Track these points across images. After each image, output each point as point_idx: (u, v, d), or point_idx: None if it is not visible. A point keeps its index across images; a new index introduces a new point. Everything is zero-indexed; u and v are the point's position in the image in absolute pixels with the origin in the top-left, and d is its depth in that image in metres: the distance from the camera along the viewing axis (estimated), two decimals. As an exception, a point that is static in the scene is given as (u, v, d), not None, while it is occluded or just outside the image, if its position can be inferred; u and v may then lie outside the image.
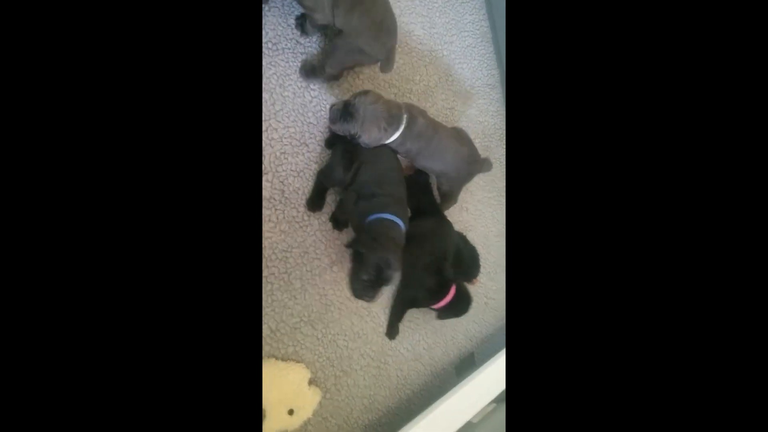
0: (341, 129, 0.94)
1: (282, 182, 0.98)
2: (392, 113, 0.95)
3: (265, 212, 0.96)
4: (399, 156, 1.05)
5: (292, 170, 1.00)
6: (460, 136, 1.10)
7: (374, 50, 0.95)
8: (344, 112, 0.92)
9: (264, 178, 0.96)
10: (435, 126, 1.04)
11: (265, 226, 0.96)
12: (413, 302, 1.14)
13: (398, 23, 1.17)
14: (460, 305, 1.16)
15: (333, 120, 0.94)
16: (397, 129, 0.96)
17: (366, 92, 0.94)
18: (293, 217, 0.99)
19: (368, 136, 0.93)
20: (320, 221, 1.03)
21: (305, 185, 1.01)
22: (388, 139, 0.97)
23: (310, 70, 1.01)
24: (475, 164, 1.12)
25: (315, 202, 1.01)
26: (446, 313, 1.16)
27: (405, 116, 0.97)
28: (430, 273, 1.10)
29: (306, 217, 1.01)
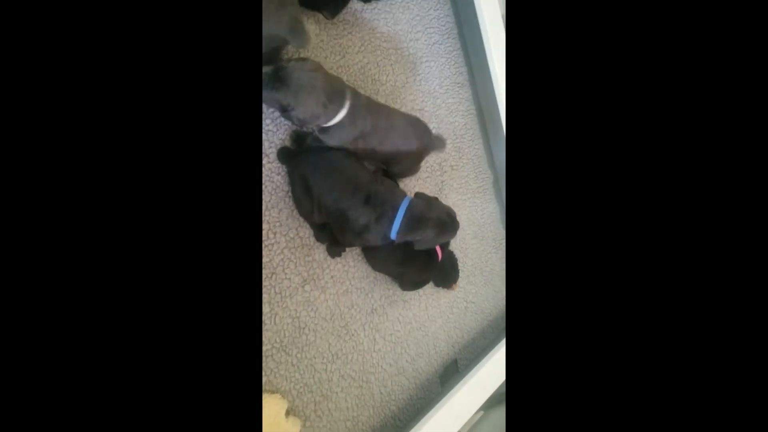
0: (269, 99, 0.77)
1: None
2: (335, 87, 0.78)
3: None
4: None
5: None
6: (406, 114, 1.00)
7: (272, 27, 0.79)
8: (274, 76, 0.75)
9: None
10: (379, 103, 0.94)
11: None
12: (417, 284, 1.14)
13: (360, 20, 1.10)
14: (450, 268, 1.19)
15: (263, 86, 0.77)
16: (340, 106, 0.80)
17: (304, 58, 0.79)
18: (258, 235, 0.91)
19: (303, 110, 0.76)
20: (287, 238, 0.95)
21: (268, 198, 0.93)
22: (328, 120, 0.80)
23: None
24: (428, 138, 1.01)
25: (320, 237, 0.97)
26: (438, 279, 1.18)
27: (348, 92, 0.83)
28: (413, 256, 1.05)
29: (271, 235, 0.93)
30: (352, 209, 0.86)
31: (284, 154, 0.93)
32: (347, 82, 0.89)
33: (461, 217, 1.34)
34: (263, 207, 0.92)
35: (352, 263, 1.07)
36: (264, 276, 0.91)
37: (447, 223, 0.93)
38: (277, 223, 0.94)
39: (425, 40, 1.25)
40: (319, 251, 1.00)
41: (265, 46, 0.83)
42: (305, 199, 0.89)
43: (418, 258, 1.05)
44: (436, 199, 0.98)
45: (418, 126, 1.00)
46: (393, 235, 0.88)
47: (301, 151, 0.94)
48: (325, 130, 0.86)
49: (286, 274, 0.94)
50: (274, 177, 0.94)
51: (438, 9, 1.28)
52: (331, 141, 0.88)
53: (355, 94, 0.86)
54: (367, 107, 0.88)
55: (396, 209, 0.87)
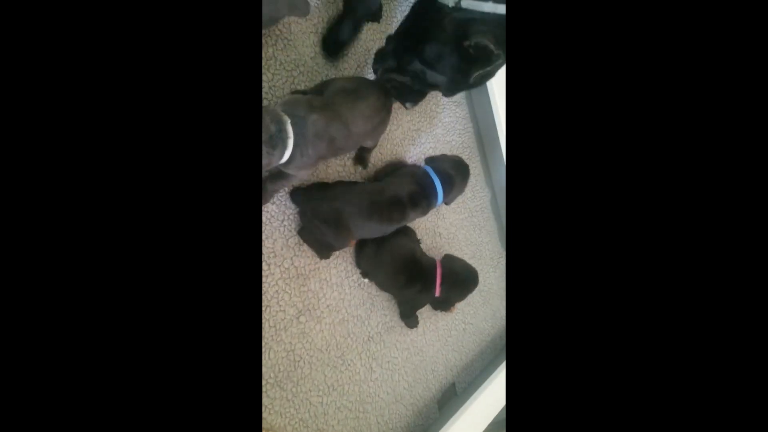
0: None
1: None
2: (270, 132, 0.73)
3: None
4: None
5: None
6: (360, 93, 0.90)
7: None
8: None
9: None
10: (334, 111, 0.82)
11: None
12: (414, 305, 1.11)
13: (358, 41, 1.07)
14: (460, 279, 1.13)
15: None
16: (284, 147, 0.75)
17: None
18: (251, 267, 0.88)
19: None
20: (282, 269, 0.92)
21: (264, 229, 0.90)
22: (281, 160, 0.76)
23: None
24: (388, 105, 0.95)
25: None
26: (452, 293, 1.12)
27: (288, 124, 0.75)
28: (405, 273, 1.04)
29: (265, 266, 0.90)
30: None
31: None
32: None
33: (459, 237, 1.32)
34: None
35: (348, 290, 1.04)
36: (257, 310, 0.88)
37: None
38: (272, 254, 0.91)
39: (422, 59, 1.23)
40: (315, 280, 0.98)
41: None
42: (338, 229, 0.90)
43: (418, 280, 1.04)
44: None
45: (378, 116, 0.92)
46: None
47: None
48: (284, 166, 0.80)
49: (280, 306, 0.92)
50: (269, 207, 0.91)
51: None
52: (294, 171, 0.83)
53: (299, 120, 0.77)
54: (317, 135, 0.79)
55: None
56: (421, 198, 1.02)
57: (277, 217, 0.92)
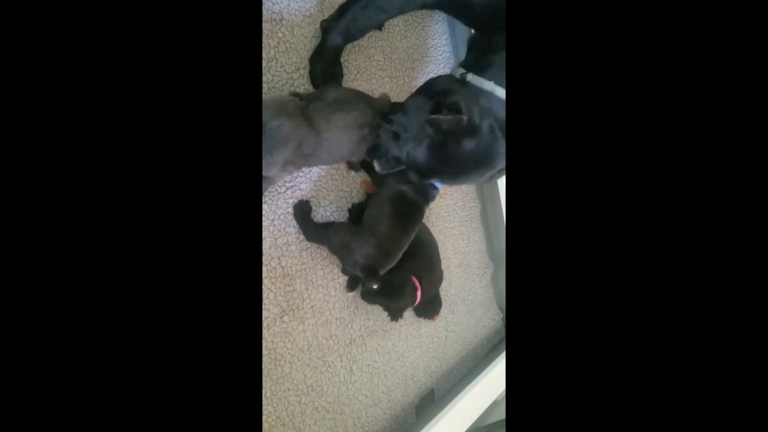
0: None
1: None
2: None
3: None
4: None
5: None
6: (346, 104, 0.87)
7: None
8: None
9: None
10: (306, 118, 0.80)
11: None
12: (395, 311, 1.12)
13: (357, 47, 1.09)
14: (432, 298, 1.18)
15: None
16: None
17: None
18: (238, 265, 0.89)
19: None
20: (268, 268, 0.93)
21: (252, 227, 0.91)
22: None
23: None
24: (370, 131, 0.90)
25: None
26: (419, 309, 1.18)
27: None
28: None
29: (253, 265, 0.91)
30: None
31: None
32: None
33: (447, 245, 1.34)
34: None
35: (333, 293, 1.05)
36: (242, 307, 0.90)
37: None
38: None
39: (421, 69, 1.25)
40: (301, 281, 0.99)
41: None
42: None
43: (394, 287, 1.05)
44: None
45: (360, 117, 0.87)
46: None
47: None
48: None
49: (265, 304, 0.93)
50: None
51: (435, 38, 1.28)
52: (263, 172, 0.81)
53: (264, 124, 0.76)
54: (282, 130, 0.77)
55: None
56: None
57: (267, 217, 0.94)
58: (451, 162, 0.83)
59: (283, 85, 0.96)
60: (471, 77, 0.83)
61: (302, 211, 0.97)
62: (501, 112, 0.79)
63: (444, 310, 1.31)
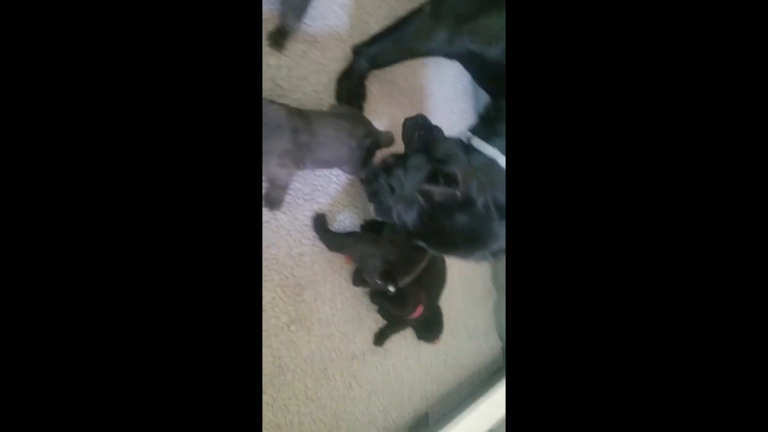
0: None
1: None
2: None
3: (222, 265, 0.88)
4: None
5: (264, 220, 0.93)
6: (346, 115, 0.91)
7: None
8: None
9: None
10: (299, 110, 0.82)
11: (221, 281, 0.88)
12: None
13: (384, 71, 1.14)
14: (432, 324, 1.18)
15: None
16: None
17: None
18: (253, 271, 0.92)
19: None
20: (281, 276, 0.96)
21: (269, 235, 0.94)
22: None
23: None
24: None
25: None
26: (421, 332, 1.18)
27: None
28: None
29: (267, 272, 0.94)
30: None
31: None
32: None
33: (452, 270, 1.37)
34: (265, 244, 0.93)
35: (340, 306, 1.07)
36: (252, 312, 0.92)
37: None
38: (274, 261, 0.95)
39: (441, 105, 1.30)
40: (310, 292, 1.01)
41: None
42: None
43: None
44: None
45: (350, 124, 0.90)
46: None
47: None
48: None
49: (274, 311, 0.95)
50: (278, 215, 0.95)
51: (460, 78, 1.34)
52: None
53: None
54: (279, 114, 0.78)
55: None
56: None
57: (285, 227, 0.97)
58: (440, 233, 0.81)
59: (311, 103, 1.01)
60: (477, 142, 0.81)
61: (320, 223, 1.00)
62: (501, 187, 0.76)
63: (445, 334, 1.32)
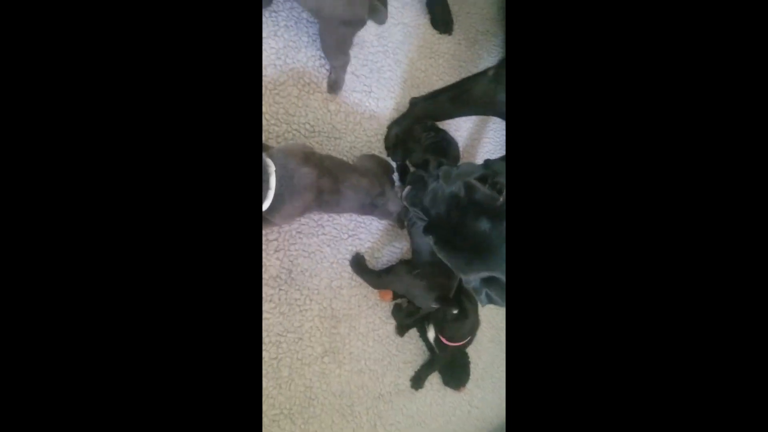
0: None
1: (291, 261, 0.96)
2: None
3: (268, 291, 0.92)
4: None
5: (303, 251, 0.97)
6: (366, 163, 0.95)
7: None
8: None
9: (275, 255, 0.93)
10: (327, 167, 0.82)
11: (266, 306, 0.91)
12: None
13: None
14: (459, 371, 1.18)
15: None
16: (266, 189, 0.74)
17: None
18: (295, 299, 0.96)
19: None
20: (321, 306, 0.99)
21: (314, 266, 0.99)
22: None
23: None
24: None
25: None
26: (447, 377, 1.18)
27: (272, 179, 0.74)
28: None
29: (308, 301, 0.97)
30: None
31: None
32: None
33: (483, 320, 1.37)
34: (306, 274, 0.97)
35: (371, 343, 1.09)
36: (292, 339, 0.94)
37: None
38: (315, 291, 0.98)
39: (482, 150, 1.36)
40: (345, 325, 1.04)
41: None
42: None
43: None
44: None
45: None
46: None
47: None
48: (266, 214, 0.78)
49: (310, 341, 0.97)
50: (323, 248, 1.00)
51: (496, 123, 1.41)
52: (277, 220, 0.81)
53: (289, 171, 0.77)
54: (305, 187, 0.79)
55: None
56: None
57: (329, 258, 1.01)
58: (455, 229, 0.80)
59: (362, 147, 1.09)
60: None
61: (358, 262, 1.04)
62: None
63: (470, 383, 1.30)
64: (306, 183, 0.78)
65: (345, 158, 1.06)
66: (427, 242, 0.91)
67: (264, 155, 0.77)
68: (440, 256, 0.90)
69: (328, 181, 0.82)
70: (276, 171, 0.75)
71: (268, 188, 0.74)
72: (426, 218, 0.87)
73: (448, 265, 0.88)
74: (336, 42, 0.91)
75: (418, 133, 1.06)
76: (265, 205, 0.74)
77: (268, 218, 0.79)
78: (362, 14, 0.85)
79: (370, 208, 0.93)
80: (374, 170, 0.96)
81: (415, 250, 1.06)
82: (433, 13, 1.21)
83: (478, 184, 0.80)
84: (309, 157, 0.81)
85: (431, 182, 0.92)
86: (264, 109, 0.95)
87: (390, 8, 1.09)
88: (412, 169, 1.01)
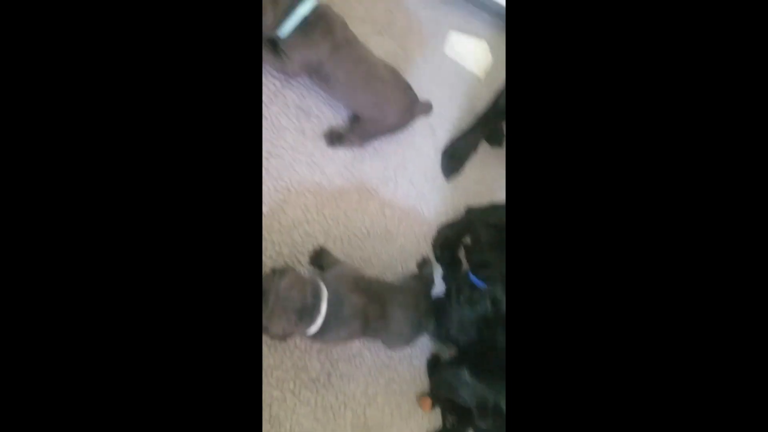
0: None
1: (332, 365, 0.95)
2: (305, 303, 0.73)
3: (306, 393, 0.91)
4: None
5: (345, 353, 0.97)
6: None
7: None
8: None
9: (317, 357, 0.93)
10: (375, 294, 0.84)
11: (303, 410, 0.90)
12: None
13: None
14: None
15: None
16: (311, 322, 0.75)
17: (283, 272, 0.75)
18: (331, 404, 0.94)
19: (275, 328, 0.72)
20: (355, 413, 0.97)
21: (353, 371, 0.98)
22: (304, 331, 0.76)
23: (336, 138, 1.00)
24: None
25: None
26: None
27: (323, 304, 0.76)
28: None
29: (343, 407, 0.95)
30: None
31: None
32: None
33: None
34: (344, 379, 0.96)
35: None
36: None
37: None
38: (351, 397, 0.97)
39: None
40: (376, 436, 1.00)
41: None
42: None
43: None
44: None
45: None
46: None
47: None
48: (313, 337, 0.79)
49: None
50: (363, 352, 1.00)
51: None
52: (323, 343, 0.84)
53: (339, 297, 0.78)
54: (356, 306, 0.80)
55: None
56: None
57: (367, 364, 1.00)
58: (488, 350, 0.85)
59: (411, 249, 1.12)
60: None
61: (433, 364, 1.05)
62: None
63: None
64: (354, 311, 0.80)
65: (394, 260, 1.09)
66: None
67: (318, 279, 0.79)
68: (473, 388, 0.91)
69: (376, 309, 0.83)
70: (328, 297, 0.77)
71: (318, 314, 0.75)
72: (455, 344, 0.88)
73: (481, 393, 0.87)
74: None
75: (478, 231, 1.08)
76: (314, 329, 0.76)
77: (313, 339, 0.80)
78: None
79: (415, 328, 0.94)
80: (417, 288, 0.98)
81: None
82: (492, 130, 1.29)
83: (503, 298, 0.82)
84: (358, 283, 0.83)
85: (455, 310, 0.92)
86: (327, 213, 1.00)
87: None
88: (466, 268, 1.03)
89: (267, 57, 0.89)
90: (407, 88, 0.99)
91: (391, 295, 0.88)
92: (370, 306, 0.82)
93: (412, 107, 1.01)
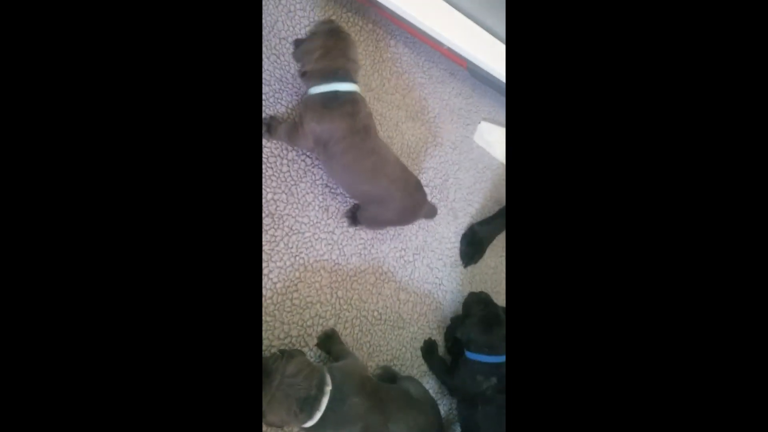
0: None
1: None
2: (308, 394, 0.70)
3: None
4: None
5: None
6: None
7: None
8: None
9: None
10: (380, 406, 0.78)
11: None
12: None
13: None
14: None
15: None
16: (309, 416, 0.71)
17: (291, 354, 0.73)
18: None
19: (273, 417, 0.69)
20: None
21: None
22: (302, 424, 0.72)
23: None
24: None
25: None
26: None
27: (324, 399, 0.72)
28: None
29: None
30: None
31: None
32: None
33: None
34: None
35: None
36: None
37: None
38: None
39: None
40: None
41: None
42: None
43: None
44: None
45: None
46: None
47: None
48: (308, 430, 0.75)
49: None
50: None
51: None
52: None
53: (341, 395, 0.74)
54: (358, 409, 0.75)
55: None
56: None
57: None
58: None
59: (422, 337, 1.07)
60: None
61: None
62: None
63: None
64: (355, 415, 0.75)
65: (405, 347, 1.05)
66: None
67: (324, 370, 0.76)
68: None
69: (377, 419, 0.77)
70: (330, 392, 0.73)
71: (317, 409, 0.71)
72: None
73: None
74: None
75: (475, 308, 1.04)
76: (310, 423, 0.72)
77: None
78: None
79: None
80: (428, 401, 0.91)
81: None
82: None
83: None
84: (365, 385, 0.79)
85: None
86: (340, 294, 0.98)
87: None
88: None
89: (283, 128, 0.90)
90: (416, 191, 0.94)
91: (397, 409, 0.81)
92: (372, 415, 0.77)
93: (415, 209, 0.97)
